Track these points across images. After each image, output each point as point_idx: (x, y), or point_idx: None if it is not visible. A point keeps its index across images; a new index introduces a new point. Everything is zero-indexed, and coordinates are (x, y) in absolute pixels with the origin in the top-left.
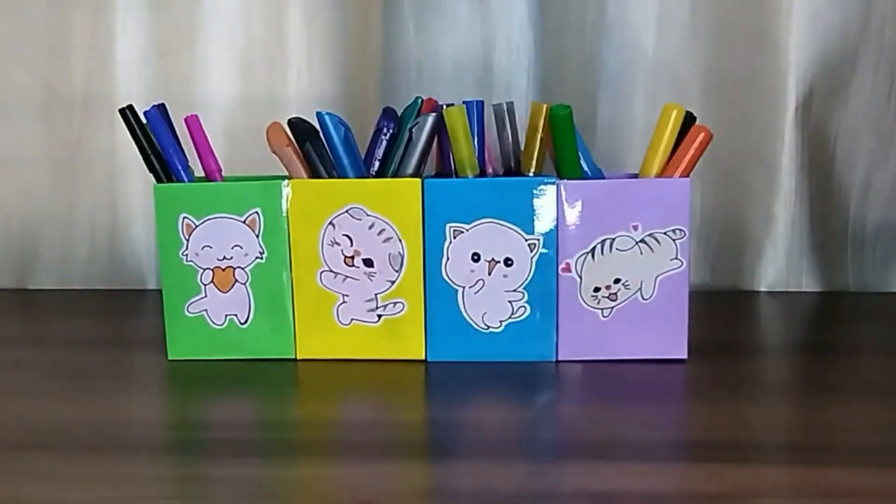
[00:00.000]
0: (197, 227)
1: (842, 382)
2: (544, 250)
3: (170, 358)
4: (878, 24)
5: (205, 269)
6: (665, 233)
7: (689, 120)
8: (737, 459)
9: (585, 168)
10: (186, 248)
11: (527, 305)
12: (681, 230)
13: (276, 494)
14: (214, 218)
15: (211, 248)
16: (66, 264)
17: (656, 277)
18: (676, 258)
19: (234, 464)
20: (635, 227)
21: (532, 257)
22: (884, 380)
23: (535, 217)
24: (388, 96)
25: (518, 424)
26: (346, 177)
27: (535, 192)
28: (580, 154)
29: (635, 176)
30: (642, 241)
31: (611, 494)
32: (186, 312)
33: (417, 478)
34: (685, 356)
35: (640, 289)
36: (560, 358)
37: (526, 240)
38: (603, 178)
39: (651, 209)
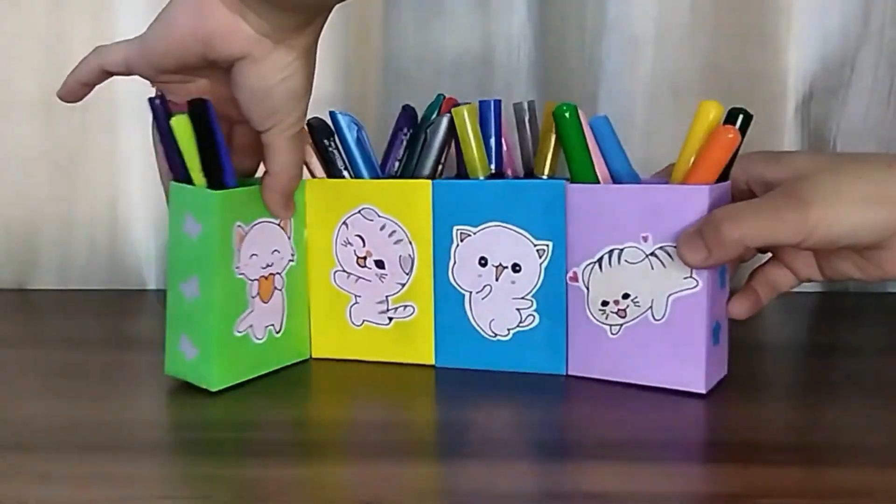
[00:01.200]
0: (247, 234)
1: (842, 382)
2: (553, 257)
3: (214, 390)
4: (879, 25)
5: (253, 281)
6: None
7: (735, 118)
8: (737, 459)
9: (618, 171)
10: (239, 260)
11: (535, 314)
12: None
13: (276, 494)
14: (259, 223)
15: (257, 255)
16: (66, 264)
17: (668, 297)
18: (691, 277)
19: (238, 464)
20: (644, 239)
21: (541, 263)
22: (884, 380)
23: (543, 221)
24: (389, 96)
25: (521, 425)
26: (360, 177)
27: (543, 195)
28: (619, 157)
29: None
30: (652, 254)
31: (611, 495)
32: (236, 332)
33: (423, 479)
34: (704, 390)
35: (650, 307)
36: (570, 373)
37: (534, 245)
38: (639, 182)
39: (663, 219)
